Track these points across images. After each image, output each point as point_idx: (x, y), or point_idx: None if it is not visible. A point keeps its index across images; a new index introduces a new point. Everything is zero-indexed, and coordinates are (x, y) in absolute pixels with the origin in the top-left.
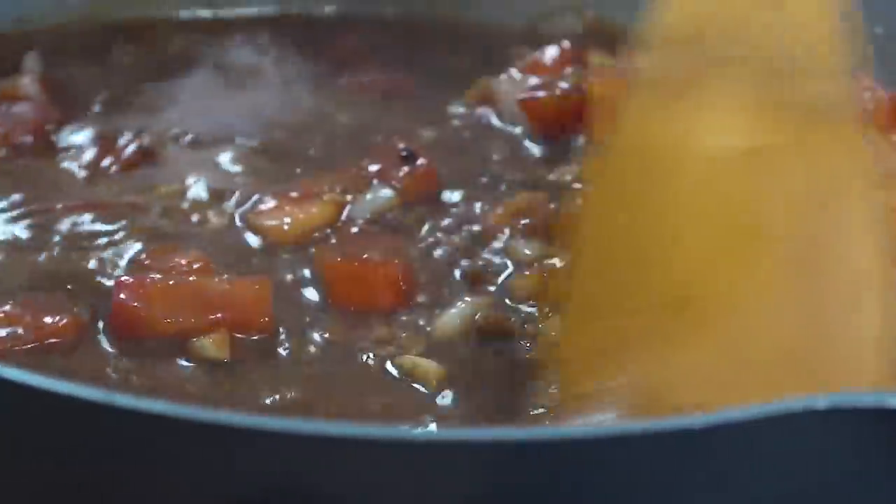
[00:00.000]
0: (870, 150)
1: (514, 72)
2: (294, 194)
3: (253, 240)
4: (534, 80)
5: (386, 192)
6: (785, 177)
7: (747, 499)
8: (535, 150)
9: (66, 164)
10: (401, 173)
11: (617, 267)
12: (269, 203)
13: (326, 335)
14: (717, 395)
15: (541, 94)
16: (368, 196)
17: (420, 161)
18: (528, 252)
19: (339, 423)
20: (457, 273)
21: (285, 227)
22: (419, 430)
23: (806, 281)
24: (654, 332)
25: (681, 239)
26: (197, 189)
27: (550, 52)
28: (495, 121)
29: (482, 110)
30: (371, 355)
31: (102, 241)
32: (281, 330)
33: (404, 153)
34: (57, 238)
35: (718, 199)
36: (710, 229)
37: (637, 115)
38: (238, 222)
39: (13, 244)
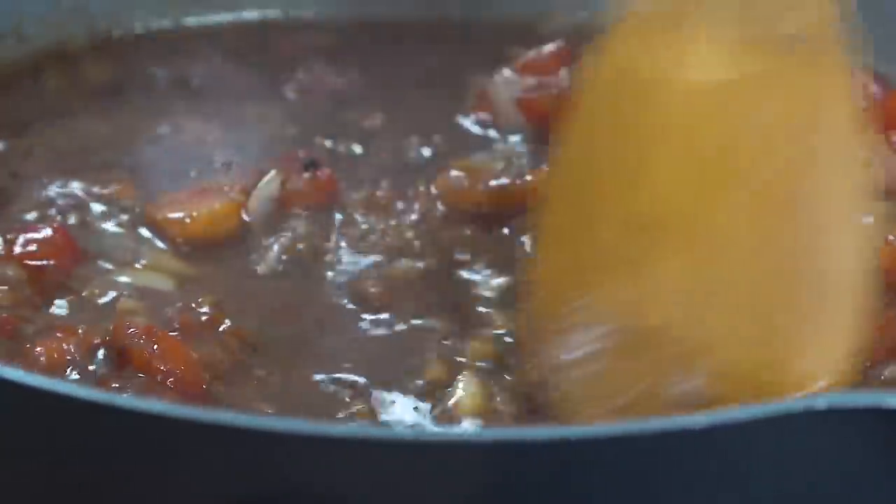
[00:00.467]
0: (851, 84)
1: (508, 72)
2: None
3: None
4: (530, 80)
5: (274, 183)
6: (761, 108)
7: (746, 499)
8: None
9: None
10: (300, 181)
11: (591, 191)
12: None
13: None
14: (685, 314)
15: (538, 93)
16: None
17: (321, 171)
18: None
19: (340, 423)
20: None
21: (187, 221)
22: (419, 431)
23: (777, 209)
24: (624, 253)
25: (655, 165)
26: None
27: (545, 52)
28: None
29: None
30: None
31: None
32: None
33: (306, 161)
34: None
35: (694, 127)
36: (685, 156)
37: (620, 48)
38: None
39: None
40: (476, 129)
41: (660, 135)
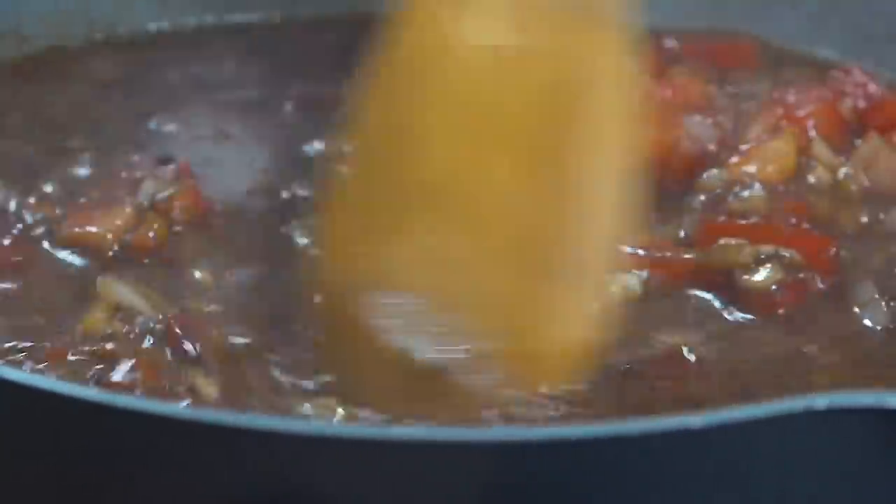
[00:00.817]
0: (627, 55)
1: None
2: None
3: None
4: None
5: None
6: (535, 76)
7: (746, 499)
8: None
9: None
10: (158, 173)
11: (377, 163)
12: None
13: None
14: (453, 277)
15: None
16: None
17: (173, 164)
18: None
19: (339, 423)
20: None
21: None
22: (419, 431)
23: (541, 175)
24: (398, 220)
25: (431, 129)
26: None
27: None
28: None
29: None
30: None
31: None
32: None
33: (160, 155)
34: None
35: (469, 94)
36: (459, 121)
37: (407, 20)
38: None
39: None
40: None
41: (437, 100)
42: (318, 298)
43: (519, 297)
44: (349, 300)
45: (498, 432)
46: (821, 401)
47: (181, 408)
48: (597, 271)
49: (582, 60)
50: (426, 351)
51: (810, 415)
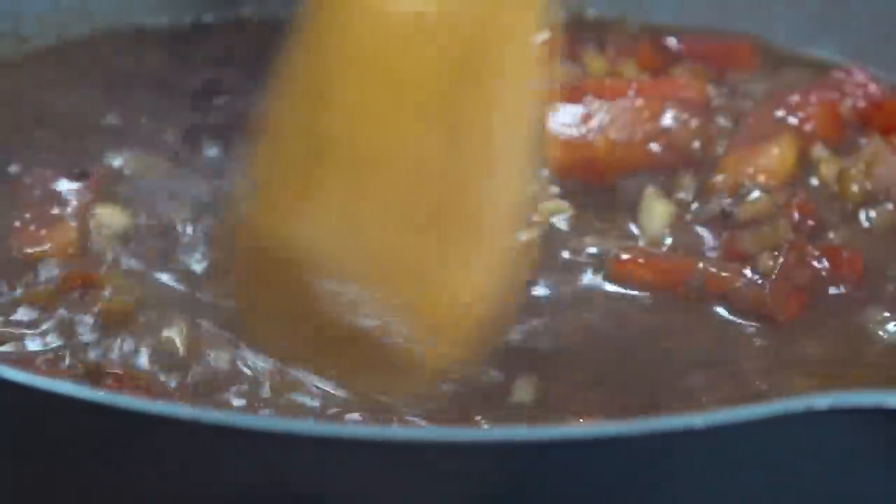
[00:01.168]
0: (539, 27)
1: None
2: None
3: None
4: None
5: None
6: (444, 40)
7: (748, 499)
8: None
9: None
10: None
11: (293, 120)
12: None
13: None
14: (349, 237)
15: None
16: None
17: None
18: None
19: (339, 423)
20: None
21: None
22: (420, 431)
23: (444, 139)
24: (312, 177)
25: (341, 88)
26: None
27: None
28: None
29: None
30: None
31: None
32: None
33: (77, 171)
34: None
35: (380, 57)
36: (370, 85)
37: None
38: None
39: None
40: None
41: (350, 62)
42: (241, 243)
43: (424, 258)
44: (268, 250)
45: (499, 433)
46: (822, 401)
47: (182, 408)
48: (501, 234)
49: (490, 24)
50: (338, 311)
51: (812, 415)
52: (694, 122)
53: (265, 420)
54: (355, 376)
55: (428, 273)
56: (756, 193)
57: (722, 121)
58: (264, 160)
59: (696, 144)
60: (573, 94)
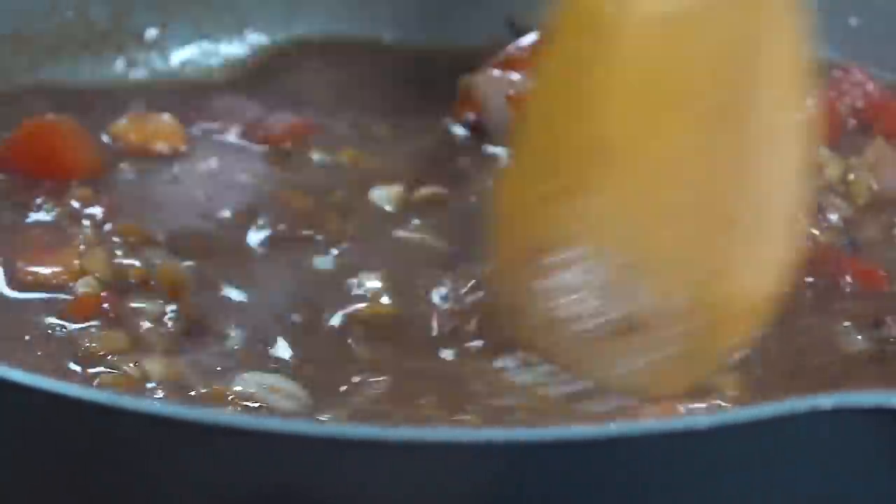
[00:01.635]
0: (795, 18)
1: (493, 70)
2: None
3: None
4: (516, 76)
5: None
6: (706, 38)
7: (752, 498)
8: None
9: None
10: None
11: (553, 125)
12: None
13: None
14: (631, 235)
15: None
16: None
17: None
18: None
19: (339, 423)
20: None
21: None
22: (420, 431)
23: (719, 134)
24: (579, 178)
25: (607, 92)
26: None
27: (524, 45)
28: None
29: None
30: None
31: None
32: None
33: None
34: None
35: (643, 56)
36: (634, 84)
37: None
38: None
39: None
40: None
41: (612, 64)
42: (494, 265)
43: (698, 253)
44: (527, 264)
45: (500, 433)
46: (827, 401)
47: (182, 408)
48: (777, 226)
49: (752, 20)
50: (611, 310)
51: (816, 415)
52: None
53: (266, 420)
54: (629, 374)
55: (704, 267)
56: None
57: None
58: (522, 168)
59: None
60: None
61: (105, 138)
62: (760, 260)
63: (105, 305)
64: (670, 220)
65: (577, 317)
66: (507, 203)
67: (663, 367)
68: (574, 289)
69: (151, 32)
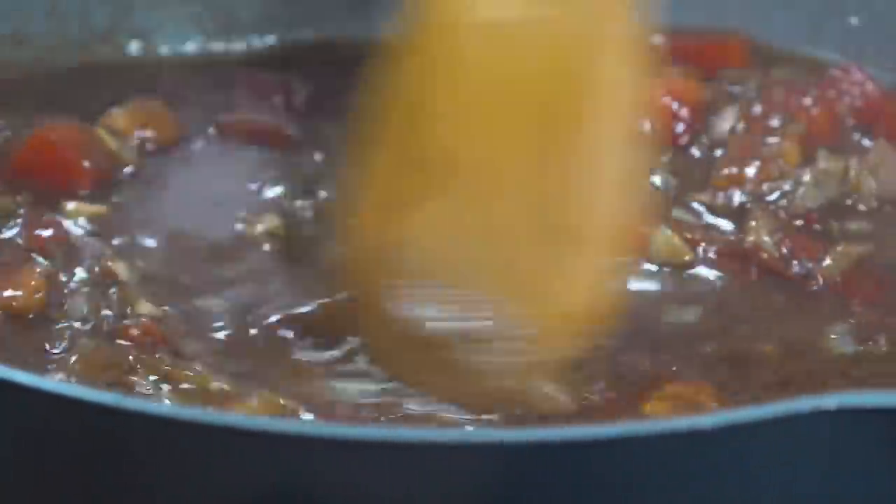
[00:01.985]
0: (631, 30)
1: None
2: None
3: None
4: None
5: None
6: (544, 46)
7: (755, 499)
8: None
9: None
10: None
11: (401, 134)
12: None
13: None
14: (470, 245)
15: None
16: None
17: None
18: None
19: (340, 424)
20: None
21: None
22: (420, 431)
23: (552, 144)
24: (418, 191)
25: (443, 106)
26: None
27: None
28: None
29: None
30: None
31: None
32: None
33: None
34: None
35: (480, 67)
36: (471, 96)
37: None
38: None
39: None
40: None
41: (449, 74)
42: (347, 265)
43: (532, 263)
44: (373, 269)
45: (502, 434)
46: (830, 401)
47: (183, 409)
48: (608, 236)
49: (588, 29)
50: (442, 320)
51: (819, 415)
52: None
53: (267, 422)
54: (461, 389)
55: (535, 279)
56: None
57: (719, 120)
58: (369, 170)
59: (696, 145)
60: None
61: (104, 136)
62: (591, 268)
63: None
64: (507, 228)
65: (421, 326)
66: (357, 212)
67: (497, 376)
68: (419, 298)
69: (151, 32)
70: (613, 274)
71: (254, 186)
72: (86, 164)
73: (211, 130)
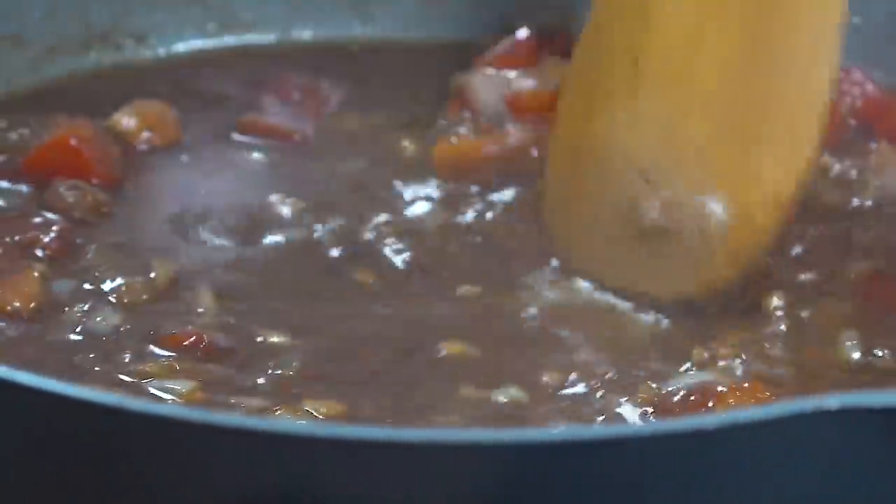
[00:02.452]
0: None
1: (487, 69)
2: None
3: None
4: (511, 75)
5: None
6: None
7: (758, 499)
8: None
9: None
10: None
11: (607, 36)
12: None
13: None
14: (664, 141)
15: (526, 88)
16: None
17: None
18: None
19: (340, 424)
20: None
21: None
22: (420, 432)
23: (756, 39)
24: (627, 88)
25: (652, 13)
26: None
27: (515, 43)
28: None
29: None
30: None
31: None
32: None
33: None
34: None
35: None
36: (679, 4)
37: None
38: None
39: None
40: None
41: None
42: (548, 165)
43: (732, 157)
44: (580, 161)
45: (503, 434)
46: (833, 401)
47: (183, 409)
48: (803, 130)
49: None
50: (650, 212)
51: (822, 415)
52: None
53: (270, 422)
54: (656, 276)
55: (742, 167)
56: None
57: None
58: (584, 73)
59: None
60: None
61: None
62: (785, 161)
63: None
64: (705, 118)
65: (610, 221)
66: (561, 112)
67: (681, 269)
68: (609, 193)
69: (150, 32)
70: (803, 171)
71: (257, 190)
72: (101, 165)
73: (211, 131)
